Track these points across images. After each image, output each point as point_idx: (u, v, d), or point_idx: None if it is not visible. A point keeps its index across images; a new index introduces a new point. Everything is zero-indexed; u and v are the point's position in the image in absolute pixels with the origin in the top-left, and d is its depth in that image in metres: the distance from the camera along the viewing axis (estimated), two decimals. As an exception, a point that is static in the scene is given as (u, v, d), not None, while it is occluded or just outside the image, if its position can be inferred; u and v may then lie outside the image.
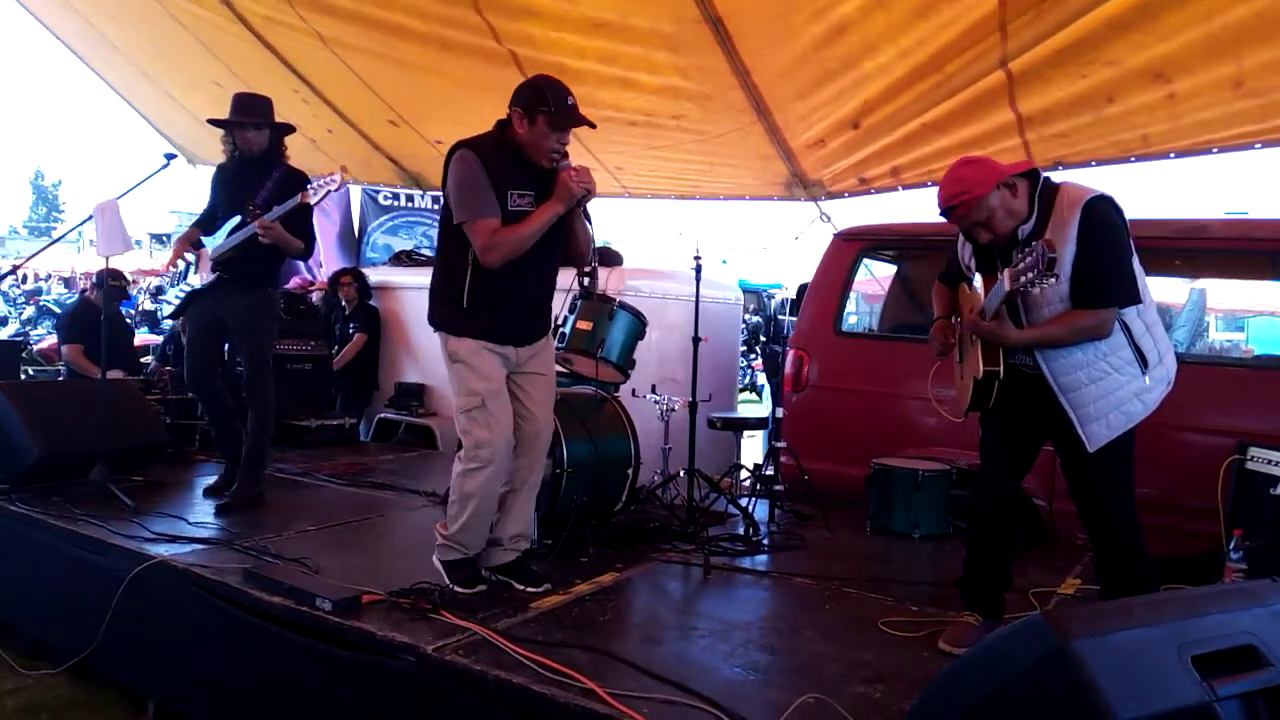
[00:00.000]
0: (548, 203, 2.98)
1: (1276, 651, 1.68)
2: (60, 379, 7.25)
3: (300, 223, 4.09)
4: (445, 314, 3.11)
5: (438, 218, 3.53)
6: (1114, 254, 2.45)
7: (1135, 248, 2.52)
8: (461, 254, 3.01)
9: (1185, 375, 2.69)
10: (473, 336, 3.04)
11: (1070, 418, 2.52)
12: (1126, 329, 2.51)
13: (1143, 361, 2.52)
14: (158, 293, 16.19)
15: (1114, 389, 2.49)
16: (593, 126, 3.07)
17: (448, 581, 3.04)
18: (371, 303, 6.86)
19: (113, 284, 5.93)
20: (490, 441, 3.01)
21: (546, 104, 2.94)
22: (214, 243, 4.19)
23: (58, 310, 13.86)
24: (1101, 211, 2.45)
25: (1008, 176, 2.51)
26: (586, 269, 4.20)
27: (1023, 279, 2.33)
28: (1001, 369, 2.58)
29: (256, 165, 4.13)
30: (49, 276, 21.50)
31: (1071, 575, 3.51)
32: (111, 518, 3.72)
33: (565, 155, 3.03)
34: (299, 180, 4.08)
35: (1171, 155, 4.82)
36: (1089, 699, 1.50)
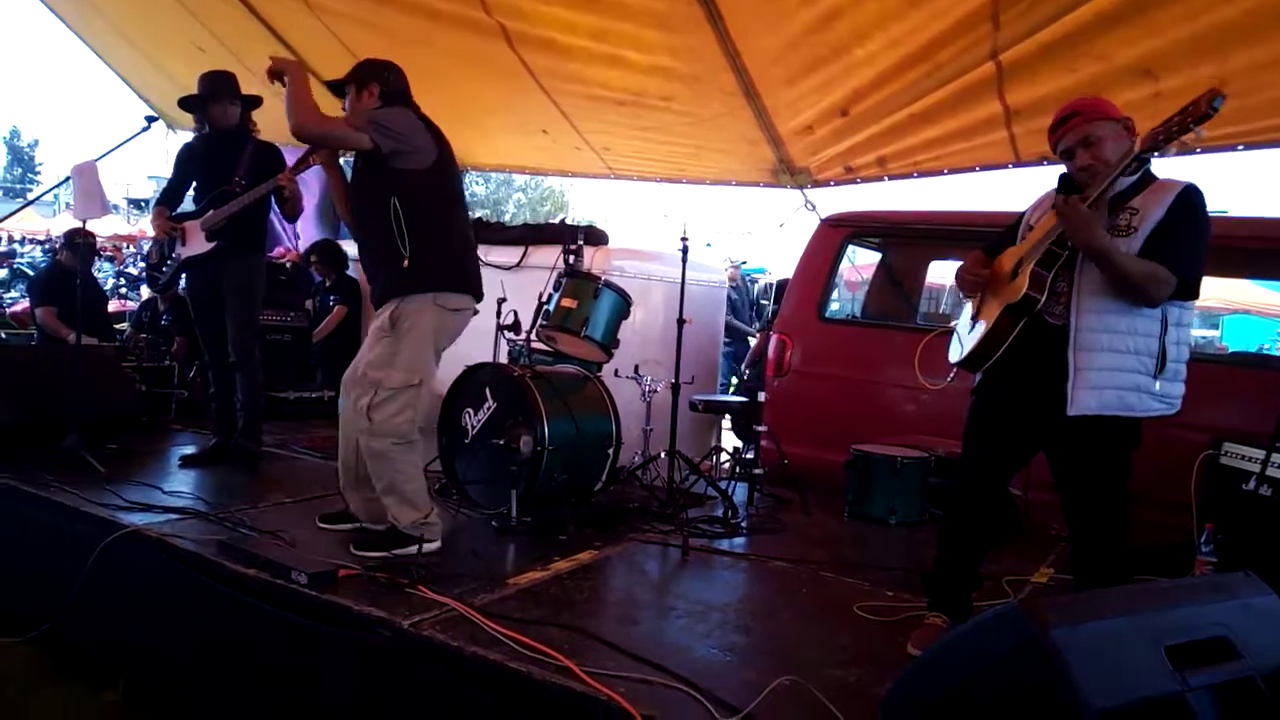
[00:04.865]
0: None
1: (1247, 644, 1.71)
2: (34, 344, 7.14)
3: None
4: None
5: None
6: (1199, 235, 2.45)
7: None
8: None
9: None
10: None
11: (1069, 372, 2.45)
12: (1165, 324, 2.47)
13: (1161, 364, 2.47)
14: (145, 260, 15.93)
15: (1123, 368, 2.44)
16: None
17: None
18: (350, 273, 6.77)
19: (80, 240, 5.81)
20: None
21: None
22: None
23: (31, 273, 13.62)
24: (1199, 200, 2.48)
25: (1133, 125, 2.54)
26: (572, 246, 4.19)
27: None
28: (1043, 299, 2.50)
29: (228, 141, 4.26)
30: (23, 239, 21.11)
31: (1045, 564, 3.56)
32: (84, 485, 3.68)
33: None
34: (273, 151, 4.32)
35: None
36: (1063, 687, 1.52)
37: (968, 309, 2.80)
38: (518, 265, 5.56)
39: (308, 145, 3.34)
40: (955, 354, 2.80)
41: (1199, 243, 2.45)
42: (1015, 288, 2.55)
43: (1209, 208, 2.53)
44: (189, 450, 4.58)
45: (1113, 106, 2.57)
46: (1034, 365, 2.55)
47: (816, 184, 6.28)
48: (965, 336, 2.76)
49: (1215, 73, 4.17)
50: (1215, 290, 12.63)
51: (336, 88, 3.30)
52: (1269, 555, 2.96)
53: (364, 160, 3.14)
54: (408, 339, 3.09)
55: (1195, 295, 2.47)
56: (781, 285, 8.81)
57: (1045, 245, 2.53)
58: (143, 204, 24.83)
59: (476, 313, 3.34)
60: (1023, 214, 2.81)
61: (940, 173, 5.68)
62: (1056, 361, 2.48)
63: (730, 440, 6.45)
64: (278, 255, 7.48)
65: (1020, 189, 2.89)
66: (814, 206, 6.28)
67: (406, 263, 3.04)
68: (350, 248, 6.92)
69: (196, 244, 4.25)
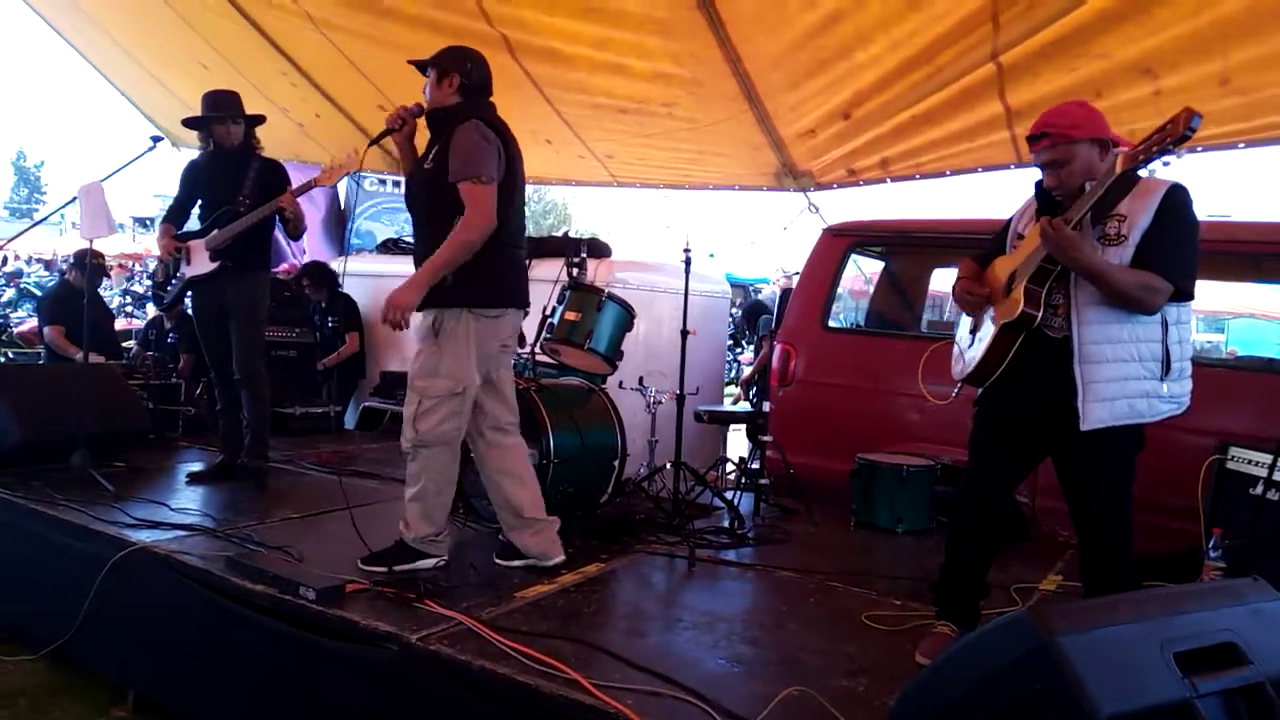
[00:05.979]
0: None
1: (1256, 649, 1.69)
2: (41, 363, 7.18)
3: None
4: None
5: None
6: (1188, 240, 2.43)
7: None
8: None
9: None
10: None
11: (1077, 388, 2.44)
12: (1165, 326, 2.46)
13: (1166, 367, 2.46)
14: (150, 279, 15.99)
15: (1130, 376, 2.44)
16: None
17: None
18: (343, 290, 6.72)
19: (90, 261, 5.85)
20: None
21: None
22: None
23: (38, 293, 13.69)
24: (1185, 199, 2.45)
25: (1109, 139, 2.49)
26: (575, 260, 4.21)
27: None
28: (1040, 315, 2.49)
29: (233, 159, 4.29)
30: (30, 259, 21.20)
31: (1053, 571, 3.54)
32: (92, 503, 3.69)
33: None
34: (278, 169, 4.35)
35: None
36: (1072, 694, 1.51)
37: (966, 322, 2.80)
38: (521, 277, 5.55)
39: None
40: (957, 369, 2.80)
41: (1189, 247, 2.44)
42: (1011, 304, 2.55)
43: (1211, 211, 2.52)
44: (196, 467, 4.60)
45: (1087, 123, 2.50)
46: (1038, 378, 2.54)
47: (820, 187, 6.29)
48: (966, 350, 2.76)
49: (1218, 70, 4.17)
50: (1220, 295, 12.56)
51: (420, 66, 3.26)
52: (1277, 560, 2.94)
53: (437, 165, 3.07)
54: (449, 347, 3.09)
55: (1191, 298, 2.47)
56: (755, 305, 8.80)
57: (1036, 261, 2.51)
58: (148, 222, 24.94)
59: (526, 314, 3.31)
60: (1009, 221, 2.80)
61: (943, 174, 5.70)
62: (1062, 375, 2.47)
63: (736, 450, 6.44)
64: (283, 272, 7.49)
65: (1023, 189, 2.88)
66: (817, 209, 6.29)
67: (449, 279, 3.03)
68: (339, 265, 6.92)
69: (200, 264, 4.28)
